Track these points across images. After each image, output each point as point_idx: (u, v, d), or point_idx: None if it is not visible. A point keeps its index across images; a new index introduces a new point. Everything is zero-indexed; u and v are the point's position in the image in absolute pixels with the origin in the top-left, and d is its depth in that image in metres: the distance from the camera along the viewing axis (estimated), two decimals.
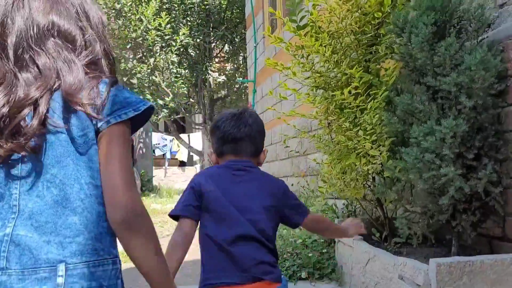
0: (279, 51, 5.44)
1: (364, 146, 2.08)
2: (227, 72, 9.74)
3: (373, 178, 2.33)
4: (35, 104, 0.84)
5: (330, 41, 2.22)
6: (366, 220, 2.59)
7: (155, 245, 0.88)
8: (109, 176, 0.86)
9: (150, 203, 7.65)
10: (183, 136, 12.33)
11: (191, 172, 15.69)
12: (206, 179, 1.39)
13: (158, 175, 17.95)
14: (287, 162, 4.96)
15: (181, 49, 8.26)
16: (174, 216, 1.38)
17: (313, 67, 2.42)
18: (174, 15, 8.43)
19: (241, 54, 9.44)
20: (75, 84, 0.86)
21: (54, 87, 0.86)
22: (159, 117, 8.56)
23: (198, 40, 8.60)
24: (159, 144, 12.24)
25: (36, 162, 0.85)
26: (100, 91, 0.89)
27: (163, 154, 18.62)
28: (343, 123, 2.19)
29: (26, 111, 0.84)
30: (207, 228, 1.35)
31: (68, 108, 0.86)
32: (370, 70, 2.21)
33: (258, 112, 6.42)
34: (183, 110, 9.17)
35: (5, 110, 0.83)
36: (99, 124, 0.88)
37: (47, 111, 0.84)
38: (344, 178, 2.22)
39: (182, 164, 16.32)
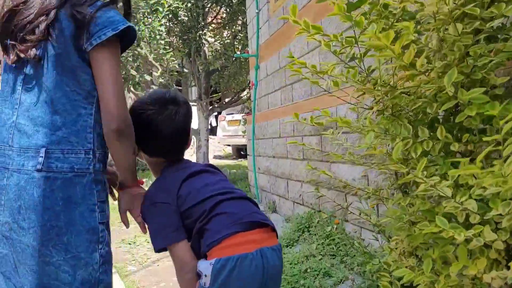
0: (289, 22, 4.34)
1: (481, 235, 1.09)
2: (223, 40, 8.55)
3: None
4: (48, 15, 1.10)
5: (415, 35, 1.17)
6: None
7: (134, 147, 1.19)
8: (103, 93, 1.10)
9: None
10: None
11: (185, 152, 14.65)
12: (173, 181, 1.27)
13: None
14: (301, 164, 3.97)
15: (170, 15, 7.07)
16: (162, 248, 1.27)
17: (371, 76, 1.39)
18: None
19: (240, 18, 8.24)
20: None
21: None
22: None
23: (189, 4, 7.38)
24: None
25: (37, 68, 1.12)
26: (86, 14, 1.09)
27: None
28: (437, 184, 1.18)
29: (42, 18, 1.10)
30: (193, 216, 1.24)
31: (62, 29, 1.10)
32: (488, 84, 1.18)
33: (263, 94, 5.36)
34: (175, 86, 8.07)
35: (31, 17, 1.11)
36: (85, 45, 1.10)
37: (52, 26, 1.10)
38: (438, 283, 1.24)
39: None
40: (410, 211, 1.22)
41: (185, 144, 1.39)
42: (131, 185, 1.29)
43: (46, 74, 1.11)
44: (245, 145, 15.87)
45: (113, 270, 3.22)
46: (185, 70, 8.70)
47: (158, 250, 1.26)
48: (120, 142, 1.14)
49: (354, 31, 1.40)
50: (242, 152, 16.77)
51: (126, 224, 1.38)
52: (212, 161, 12.66)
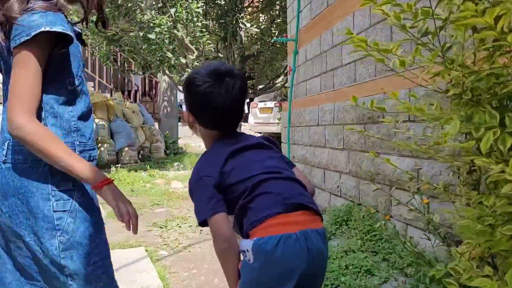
0: (333, 4, 4.12)
1: None
2: (260, 24, 8.35)
3: None
4: None
5: None
6: None
7: (46, 151, 1.13)
8: (8, 97, 1.14)
9: (171, 179, 6.69)
10: None
11: None
12: (216, 158, 1.24)
13: (185, 132, 17.06)
14: (341, 154, 3.79)
15: None
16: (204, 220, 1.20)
17: (446, 56, 1.20)
18: None
19: (277, 3, 8.02)
20: None
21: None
22: (182, 78, 7.38)
23: None
24: None
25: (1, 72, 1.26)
26: (9, 18, 1.11)
27: None
28: None
29: None
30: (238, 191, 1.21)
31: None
32: None
33: (301, 80, 5.18)
34: None
35: None
36: (10, 48, 1.14)
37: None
38: None
39: None
40: (498, 212, 1.04)
41: (240, 118, 1.35)
42: (92, 187, 1.23)
43: (5, 78, 1.22)
44: (277, 133, 15.73)
45: (145, 254, 3.16)
46: (220, 55, 8.58)
47: (200, 222, 1.21)
48: (23, 143, 1.14)
49: (430, 1, 1.22)
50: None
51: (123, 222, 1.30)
52: None
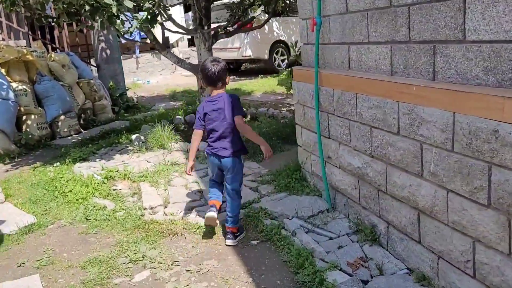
0: None
1: None
2: None
3: None
4: None
5: None
6: None
7: None
8: None
9: (138, 179, 4.75)
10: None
11: (167, 60, 12.01)
12: (203, 108, 3.25)
13: (130, 66, 14.48)
14: (482, 213, 2.09)
15: None
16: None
17: None
18: None
19: None
20: None
21: None
22: (131, 28, 5.14)
23: None
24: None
25: None
26: None
27: (132, 39, 14.88)
28: None
29: None
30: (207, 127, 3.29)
31: None
32: None
33: (334, 40, 3.26)
34: (165, 16, 5.60)
35: None
36: None
37: None
38: None
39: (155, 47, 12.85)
40: None
41: (217, 81, 3.22)
42: None
43: None
44: (236, 60, 13.68)
45: None
46: None
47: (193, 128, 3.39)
48: None
49: None
50: (231, 66, 14.54)
51: None
52: None
